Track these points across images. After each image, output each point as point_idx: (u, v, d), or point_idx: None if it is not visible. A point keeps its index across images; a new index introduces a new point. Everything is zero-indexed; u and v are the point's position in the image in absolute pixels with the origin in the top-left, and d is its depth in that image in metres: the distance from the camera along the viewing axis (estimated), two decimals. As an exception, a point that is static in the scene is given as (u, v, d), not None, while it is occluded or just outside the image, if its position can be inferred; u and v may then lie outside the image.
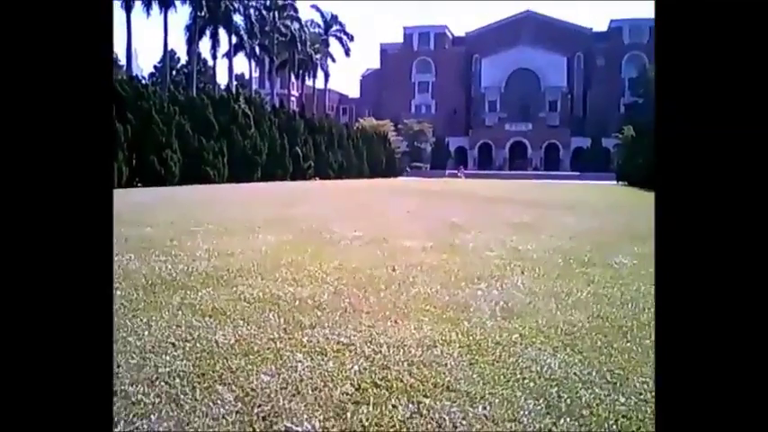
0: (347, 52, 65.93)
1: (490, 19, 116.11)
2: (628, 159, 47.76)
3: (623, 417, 2.57)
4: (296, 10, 57.94)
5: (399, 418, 2.49)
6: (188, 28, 44.91)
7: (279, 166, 40.46)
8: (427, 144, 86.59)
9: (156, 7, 38.58)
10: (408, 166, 73.00)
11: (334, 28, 64.75)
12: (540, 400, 2.73)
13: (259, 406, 2.55)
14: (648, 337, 3.65)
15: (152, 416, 2.42)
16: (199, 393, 2.66)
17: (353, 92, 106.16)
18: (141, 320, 3.73)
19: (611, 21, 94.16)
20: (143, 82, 36.44)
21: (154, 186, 26.74)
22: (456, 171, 73.09)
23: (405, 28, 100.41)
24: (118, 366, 2.93)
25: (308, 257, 6.33)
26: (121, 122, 27.23)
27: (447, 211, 14.23)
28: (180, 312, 3.96)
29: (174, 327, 3.62)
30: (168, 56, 45.69)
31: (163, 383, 2.75)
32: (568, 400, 2.73)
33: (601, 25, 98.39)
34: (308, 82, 65.77)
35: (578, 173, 74.31)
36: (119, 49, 59.08)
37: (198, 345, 3.31)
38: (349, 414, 2.51)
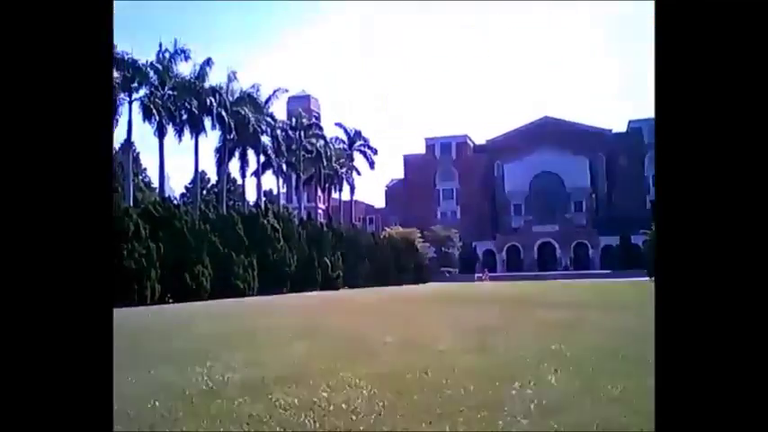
0: (371, 165, 67.75)
1: (509, 125, 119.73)
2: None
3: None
4: (321, 128, 60.33)
5: None
6: (218, 150, 46.85)
7: (308, 277, 40.78)
8: (455, 249, 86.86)
9: (187, 133, 40.61)
10: (440, 270, 72.88)
11: (358, 143, 66.95)
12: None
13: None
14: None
15: None
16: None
17: (379, 202, 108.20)
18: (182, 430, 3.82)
19: (630, 121, 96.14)
20: (174, 202, 37.70)
21: (186, 302, 27.09)
22: (481, 275, 72.53)
23: (426, 139, 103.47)
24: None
25: (339, 365, 6.37)
26: (154, 242, 28.04)
27: (476, 315, 14.17)
28: (218, 421, 4.03)
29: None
30: (199, 176, 47.52)
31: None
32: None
33: (619, 126, 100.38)
34: (335, 194, 67.45)
35: (609, 271, 73.44)
36: (152, 172, 61.69)
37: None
38: None
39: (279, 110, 64.88)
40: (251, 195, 61.50)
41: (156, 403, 4.53)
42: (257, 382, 5.37)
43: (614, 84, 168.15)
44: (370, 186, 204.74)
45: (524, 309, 16.05)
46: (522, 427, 3.82)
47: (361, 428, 3.80)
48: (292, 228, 41.98)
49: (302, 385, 5.18)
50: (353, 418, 4.08)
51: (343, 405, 4.43)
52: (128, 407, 4.45)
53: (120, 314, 17.14)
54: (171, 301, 28.33)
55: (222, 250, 33.38)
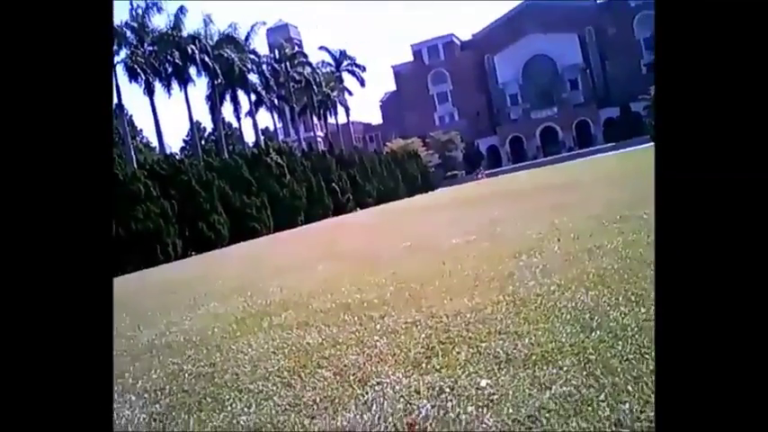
0: (362, 83, 67.19)
1: (493, 16, 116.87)
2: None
3: (645, 321, 3.16)
4: (305, 56, 59.53)
5: (462, 359, 3.13)
6: (208, 97, 46.73)
7: (319, 206, 41.48)
8: (458, 151, 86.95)
9: (175, 85, 40.45)
10: (444, 177, 73.33)
11: (345, 63, 66.16)
12: (576, 325, 3.34)
13: (353, 374, 3.23)
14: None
15: (275, 397, 3.13)
16: (304, 377, 3.36)
17: (376, 119, 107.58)
18: (243, 342, 4.47)
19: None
20: (177, 157, 38.08)
21: (207, 251, 27.92)
22: (477, 175, 71.67)
23: (412, 45, 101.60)
24: (236, 374, 3.65)
25: (362, 273, 7.01)
26: (166, 199, 28.63)
27: (483, 211, 14.79)
28: (271, 331, 4.69)
29: (271, 340, 4.35)
30: (195, 127, 47.59)
31: (275, 377, 3.46)
32: (598, 320, 3.34)
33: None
34: (331, 120, 67.23)
35: (613, 143, 73.60)
36: (148, 132, 61.61)
37: (293, 348, 4.01)
38: (423, 364, 3.17)
39: (260, 45, 63.84)
40: (249, 136, 61.56)
41: (215, 329, 5.20)
42: (295, 299, 6.02)
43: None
44: (366, 105, 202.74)
45: (527, 197, 16.64)
46: (529, 288, 4.42)
47: (393, 314, 4.43)
48: (295, 161, 42.34)
49: (335, 293, 5.82)
50: (386, 308, 4.71)
51: (375, 300, 5.08)
52: (192, 337, 5.13)
53: (154, 272, 17.97)
54: (193, 253, 29.18)
55: (233, 195, 33.99)
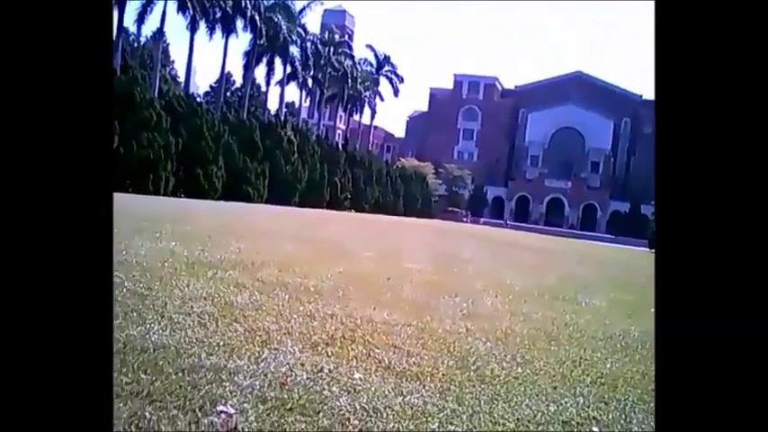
0: (396, 92, 68.10)
1: (540, 75, 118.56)
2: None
3: (507, 378, 3.65)
4: (350, 48, 60.42)
5: (352, 355, 3.62)
6: (246, 54, 47.34)
7: (316, 195, 42.02)
8: (466, 190, 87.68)
9: (218, 32, 41.05)
10: (446, 210, 73.72)
11: (386, 68, 67.02)
12: (452, 360, 3.83)
13: (260, 336, 3.72)
14: (560, 341, 4.73)
15: (188, 330, 3.61)
16: (219, 325, 3.84)
17: (399, 131, 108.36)
18: (184, 281, 4.96)
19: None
20: (198, 100, 38.52)
21: (195, 198, 28.38)
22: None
23: (455, 75, 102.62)
24: (164, 303, 4.14)
25: (319, 264, 7.50)
26: (174, 135, 29.11)
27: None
28: (210, 282, 5.17)
29: (207, 288, 4.83)
30: (224, 78, 48.19)
31: (195, 317, 3.94)
32: (480, 364, 3.83)
33: (650, 93, 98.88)
34: (355, 116, 67.93)
35: (613, 236, 74.33)
36: (179, 66, 61.97)
37: (222, 301, 4.50)
38: (319, 348, 3.65)
39: (311, 23, 64.51)
40: (272, 105, 62.08)
41: (166, 264, 5.69)
42: (247, 264, 6.50)
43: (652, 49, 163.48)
44: (391, 114, 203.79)
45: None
46: (447, 324, 4.92)
47: (313, 301, 4.91)
48: (308, 143, 42.89)
49: (285, 272, 6.31)
50: (317, 297, 5.20)
51: (313, 287, 5.57)
52: (142, 261, 5.61)
53: (142, 200, 18.36)
54: (182, 195, 29.63)
55: (237, 154, 34.49)
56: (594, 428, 3.01)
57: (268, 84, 52.01)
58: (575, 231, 77.90)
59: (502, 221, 75.21)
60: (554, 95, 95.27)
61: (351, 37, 78.06)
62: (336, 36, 57.88)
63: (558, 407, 3.24)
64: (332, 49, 55.05)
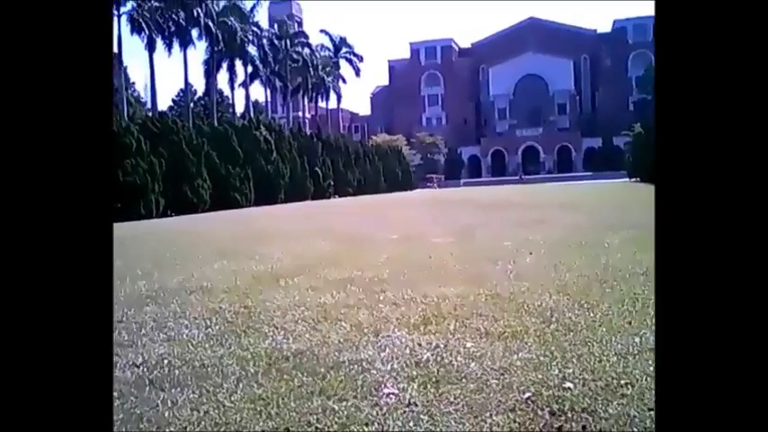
0: (357, 72, 68.28)
1: (494, 28, 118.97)
2: (638, 156, 49.10)
3: (592, 321, 4.18)
4: (306, 36, 60.35)
5: (451, 329, 4.13)
6: (206, 62, 47.27)
7: (301, 187, 42.27)
8: (440, 155, 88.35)
9: (176, 46, 40.95)
10: (424, 177, 74.39)
11: (344, 50, 67.06)
12: (539, 317, 4.36)
13: (366, 328, 4.20)
14: (611, 283, 5.29)
15: (306, 335, 4.09)
16: (327, 325, 4.32)
17: (364, 109, 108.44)
18: (268, 295, 5.43)
19: (615, 21, 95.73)
20: (170, 117, 38.47)
21: (187, 214, 28.60)
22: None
23: (411, 44, 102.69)
24: (270, 316, 4.60)
25: (361, 255, 7.99)
26: (155, 157, 29.19)
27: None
28: (288, 291, 5.64)
29: (291, 297, 5.31)
30: (188, 89, 48.04)
31: (303, 322, 4.42)
32: (557, 315, 4.37)
33: (604, 26, 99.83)
34: (321, 103, 67.98)
35: (591, 173, 75.56)
36: (140, 87, 61.40)
37: (313, 304, 4.98)
38: (421, 328, 4.16)
39: (263, 18, 64.23)
40: (239, 106, 61.93)
41: (238, 282, 6.14)
42: (304, 268, 6.97)
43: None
44: (355, 94, 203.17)
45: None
46: (505, 286, 5.45)
47: (386, 290, 5.41)
48: (283, 139, 43.03)
49: (340, 268, 6.79)
50: (386, 285, 5.70)
51: (375, 278, 6.06)
52: (218, 284, 6.05)
53: (142, 225, 18.60)
54: (172, 214, 29.78)
55: (219, 163, 34.61)
56: (681, 349, 3.54)
57: (232, 87, 52.06)
58: (552, 176, 78.98)
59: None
60: (511, 46, 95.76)
61: (301, 24, 77.78)
62: (290, 29, 57.73)
63: (640, 339, 3.77)
64: (288, 42, 54.99)
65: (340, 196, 46.10)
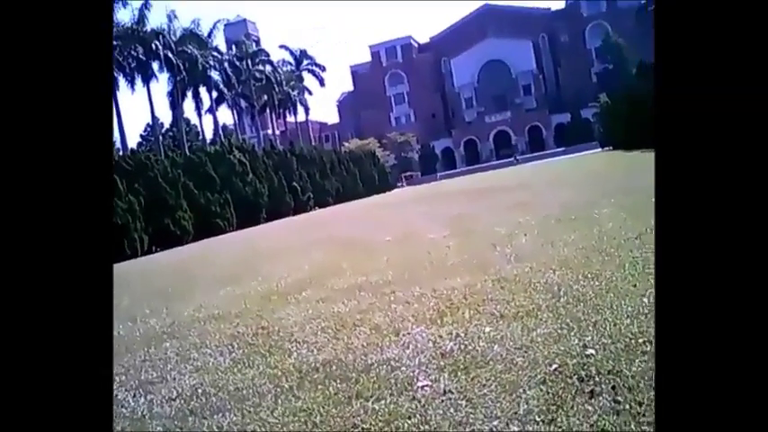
0: (321, 82, 68.36)
1: (451, 20, 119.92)
2: (608, 125, 49.72)
3: (599, 290, 4.34)
4: (267, 54, 60.28)
5: (467, 317, 4.27)
6: (170, 93, 47.08)
7: (281, 204, 42.26)
8: (414, 153, 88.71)
9: (138, 81, 40.79)
10: (400, 176, 74.61)
11: (306, 62, 67.15)
12: (548, 294, 4.52)
13: (385, 329, 4.33)
14: (609, 251, 5.48)
15: (329, 346, 4.21)
16: (347, 332, 4.45)
17: (332, 118, 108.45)
18: (281, 313, 5.54)
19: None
20: (142, 154, 38.31)
21: (172, 248, 28.51)
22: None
23: (371, 46, 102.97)
24: (289, 332, 4.72)
25: (360, 261, 8.10)
26: (133, 195, 29.07)
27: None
28: (300, 304, 5.76)
29: (305, 311, 5.43)
30: (156, 123, 47.84)
31: (323, 333, 4.54)
32: (565, 289, 4.53)
33: (557, 4, 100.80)
34: (290, 118, 68.03)
35: (563, 148, 76.26)
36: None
37: (328, 314, 5.09)
38: (438, 321, 4.29)
39: (221, 42, 64.05)
40: (207, 132, 61.73)
41: (247, 305, 6.24)
42: (308, 281, 7.08)
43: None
44: (322, 104, 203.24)
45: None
46: (507, 269, 5.60)
47: (395, 290, 5.54)
48: (257, 159, 43.02)
49: (343, 277, 6.91)
50: (394, 286, 5.83)
51: (381, 281, 6.19)
52: (229, 310, 6.15)
53: (140, 262, 18.54)
54: (158, 249, 29.64)
55: (197, 192, 34.53)
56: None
57: (199, 114, 51.87)
58: (525, 156, 79.60)
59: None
60: (469, 35, 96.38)
61: (258, 42, 77.60)
62: (248, 48, 57.66)
63: (648, 299, 3.92)
64: (249, 62, 54.97)
65: (321, 207, 46.14)
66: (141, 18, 40.88)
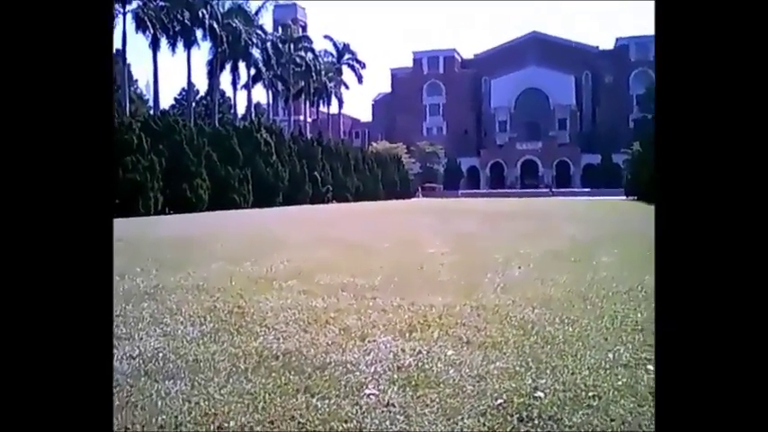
0: (360, 79, 68.70)
1: (497, 41, 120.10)
2: (636, 174, 49.35)
3: (570, 336, 4.37)
4: (310, 41, 60.76)
5: (435, 336, 4.32)
6: (209, 63, 47.57)
7: (299, 192, 42.49)
8: (440, 165, 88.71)
9: (180, 45, 41.29)
10: (420, 186, 74.49)
11: (347, 56, 67.51)
12: (519, 329, 4.55)
13: (353, 332, 4.39)
14: (593, 300, 5.49)
15: (296, 336, 4.28)
16: (317, 328, 4.51)
17: (365, 116, 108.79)
18: (261, 296, 5.62)
19: (618, 39, 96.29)
20: (172, 116, 38.72)
21: (185, 213, 28.81)
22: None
23: (414, 53, 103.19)
24: (262, 317, 4.79)
25: (356, 262, 8.18)
26: (156, 155, 29.40)
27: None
28: (282, 293, 5.83)
29: (284, 299, 5.50)
30: (191, 89, 48.37)
31: (294, 324, 4.61)
32: (537, 328, 4.56)
33: (607, 44, 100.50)
34: (323, 108, 68.42)
35: (589, 189, 75.88)
36: (143, 84, 61.72)
37: (304, 307, 5.17)
38: (406, 335, 4.35)
39: (268, 21, 64.63)
40: (240, 108, 62.27)
41: (234, 283, 6.33)
42: (298, 273, 7.16)
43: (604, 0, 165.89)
44: (357, 100, 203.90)
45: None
46: (491, 298, 5.64)
47: (376, 297, 5.60)
48: (284, 142, 43.30)
49: (334, 274, 6.98)
50: (377, 292, 5.89)
51: (367, 285, 6.25)
52: (214, 284, 6.24)
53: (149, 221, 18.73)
54: (171, 212, 29.95)
55: (219, 164, 34.83)
56: (650, 366, 3.73)
57: (235, 89, 52.38)
58: (576, 189, 79.30)
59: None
60: (513, 58, 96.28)
61: (305, 29, 78.21)
62: (294, 33, 58.17)
63: (614, 354, 3.96)
64: (292, 46, 55.41)
65: (338, 202, 46.31)
66: (193, -15, 41.48)
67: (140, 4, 39.33)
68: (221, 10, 44.27)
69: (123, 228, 15.07)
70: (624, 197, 56.18)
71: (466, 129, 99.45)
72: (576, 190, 78.01)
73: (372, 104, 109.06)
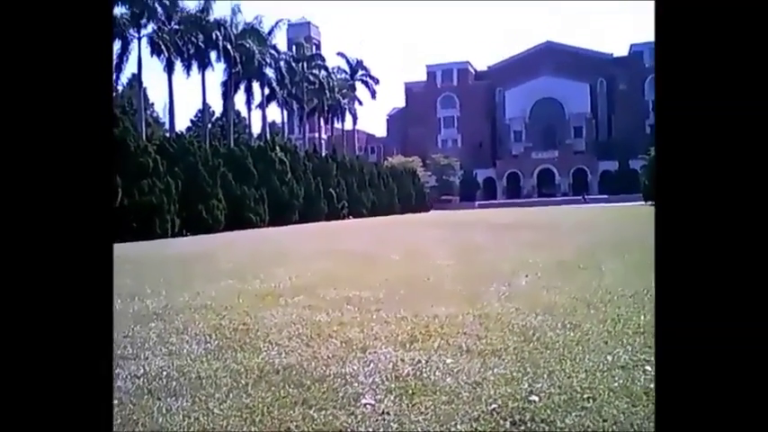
0: (373, 95, 68.99)
1: (511, 52, 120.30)
2: (653, 180, 49.09)
3: (570, 341, 4.39)
4: (323, 59, 61.28)
5: (435, 346, 4.36)
6: (224, 84, 48.16)
7: (315, 208, 42.68)
8: (455, 177, 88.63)
9: (194, 67, 41.92)
10: (440, 199, 74.43)
11: (360, 73, 67.93)
12: (520, 336, 4.58)
13: (355, 345, 4.45)
14: (597, 305, 5.49)
15: (299, 350, 4.34)
16: (319, 341, 4.57)
17: (380, 131, 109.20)
18: (267, 313, 5.70)
19: (632, 45, 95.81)
20: (187, 138, 39.22)
21: (202, 234, 29.07)
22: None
23: (427, 66, 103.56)
24: (266, 333, 4.86)
25: (362, 275, 8.24)
26: (172, 177, 29.75)
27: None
28: (287, 309, 5.91)
29: (289, 315, 5.57)
30: (206, 110, 49.01)
31: (297, 339, 4.68)
32: (539, 335, 4.58)
33: (621, 50, 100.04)
34: (337, 124, 68.85)
35: (606, 196, 75.34)
36: (159, 107, 62.58)
37: (309, 322, 5.23)
38: (407, 345, 4.39)
39: (281, 40, 65.34)
40: (255, 127, 62.85)
41: (241, 300, 6.41)
42: (305, 287, 7.23)
43: (617, 7, 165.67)
44: (372, 115, 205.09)
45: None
46: (495, 306, 5.67)
47: (380, 309, 5.65)
48: (298, 160, 43.60)
49: (340, 288, 7.05)
50: (381, 304, 5.94)
51: (372, 298, 6.31)
52: (222, 303, 6.33)
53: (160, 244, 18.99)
54: (187, 234, 30.23)
55: (234, 184, 35.15)
56: (648, 367, 3.74)
57: (249, 108, 52.88)
58: (567, 198, 78.87)
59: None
60: (527, 69, 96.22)
61: (318, 47, 78.92)
62: (307, 51, 58.77)
63: (613, 357, 3.99)
64: (305, 64, 55.94)
65: (354, 217, 46.43)
66: (206, 8, 42.09)
67: (155, 28, 40.04)
68: (235, 31, 44.90)
69: (136, 250, 15.29)
70: (643, 202, 55.72)
71: (481, 140, 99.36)
72: (594, 197, 77.45)
73: (387, 119, 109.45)
